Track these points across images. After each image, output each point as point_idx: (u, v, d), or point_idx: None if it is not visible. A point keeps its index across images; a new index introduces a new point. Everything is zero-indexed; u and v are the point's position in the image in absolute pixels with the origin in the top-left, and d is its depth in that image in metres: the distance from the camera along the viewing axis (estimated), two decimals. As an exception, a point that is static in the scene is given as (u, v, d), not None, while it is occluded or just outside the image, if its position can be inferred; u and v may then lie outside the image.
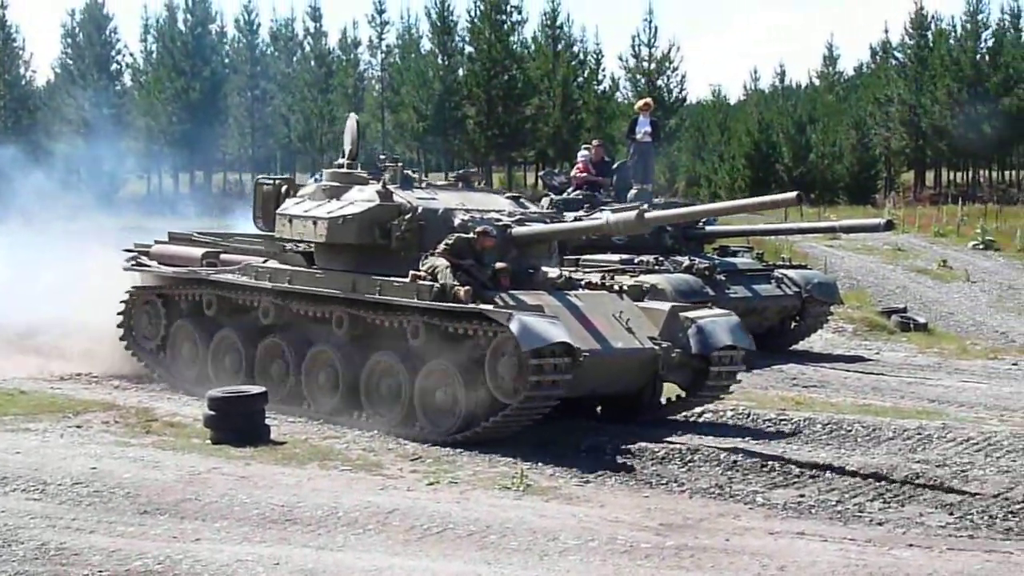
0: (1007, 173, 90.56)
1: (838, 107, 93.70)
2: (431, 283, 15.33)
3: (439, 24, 79.75)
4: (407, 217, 16.22)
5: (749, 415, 17.24)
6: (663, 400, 16.94)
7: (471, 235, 15.91)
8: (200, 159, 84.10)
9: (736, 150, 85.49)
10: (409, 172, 17.52)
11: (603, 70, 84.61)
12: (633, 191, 25.19)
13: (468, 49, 79.75)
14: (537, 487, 13.22)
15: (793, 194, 15.32)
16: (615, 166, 26.87)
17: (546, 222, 17.30)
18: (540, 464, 14.36)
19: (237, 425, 15.34)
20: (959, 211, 52.92)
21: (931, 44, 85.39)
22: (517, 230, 16.50)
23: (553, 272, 16.57)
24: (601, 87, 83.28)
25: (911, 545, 11.11)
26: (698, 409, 17.22)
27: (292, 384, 17.18)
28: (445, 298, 15.15)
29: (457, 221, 16.34)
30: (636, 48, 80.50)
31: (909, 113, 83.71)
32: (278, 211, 17.97)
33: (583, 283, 16.61)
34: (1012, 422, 17.31)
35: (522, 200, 18.03)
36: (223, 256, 19.04)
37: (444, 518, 11.28)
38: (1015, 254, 43.14)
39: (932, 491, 13.22)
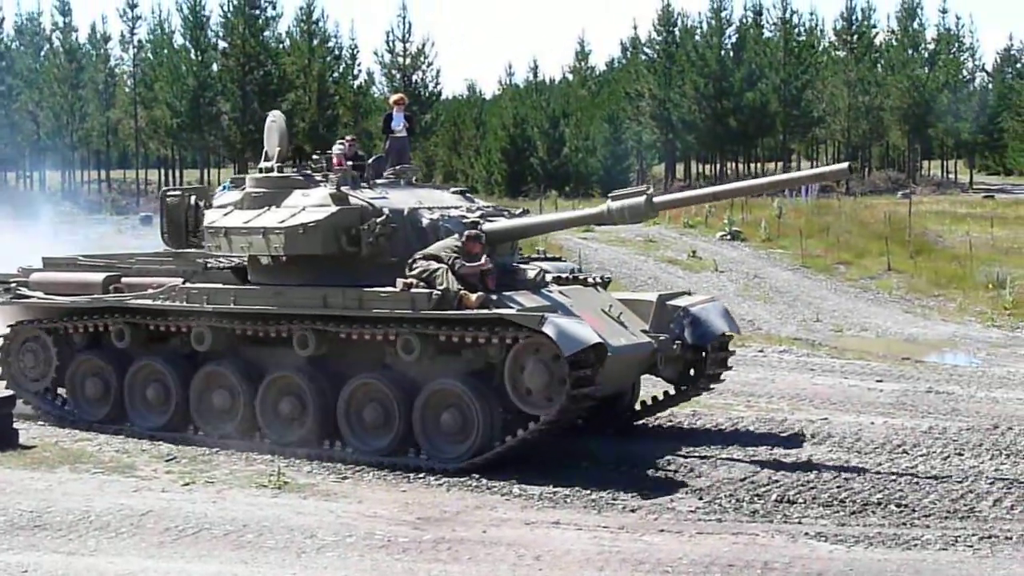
0: (752, 165, 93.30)
1: (591, 102, 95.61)
2: (428, 290, 13.95)
3: (192, 19, 78.54)
4: (379, 221, 14.56)
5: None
6: (647, 401, 16.47)
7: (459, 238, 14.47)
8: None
9: (492, 144, 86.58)
10: (354, 172, 15.87)
11: (359, 65, 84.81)
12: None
13: (222, 44, 78.76)
14: (294, 484, 13.19)
15: (845, 165, 15.29)
16: (370, 160, 26.79)
17: (505, 216, 15.71)
18: (297, 461, 14.32)
19: (-17, 430, 14.93)
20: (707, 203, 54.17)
21: (678, 40, 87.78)
22: (489, 226, 15.02)
23: (532, 271, 15.08)
24: (357, 82, 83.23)
25: (662, 530, 11.43)
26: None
27: (242, 416, 15.34)
28: (446, 305, 13.78)
29: (425, 222, 14.99)
30: (391, 43, 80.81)
31: (659, 107, 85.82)
32: (206, 225, 15.83)
33: (551, 279, 15.27)
34: (758, 407, 17.90)
35: (468, 195, 16.62)
36: (125, 280, 16.79)
37: (200, 519, 11.17)
38: (760, 244, 44.47)
39: (683, 477, 13.60)
